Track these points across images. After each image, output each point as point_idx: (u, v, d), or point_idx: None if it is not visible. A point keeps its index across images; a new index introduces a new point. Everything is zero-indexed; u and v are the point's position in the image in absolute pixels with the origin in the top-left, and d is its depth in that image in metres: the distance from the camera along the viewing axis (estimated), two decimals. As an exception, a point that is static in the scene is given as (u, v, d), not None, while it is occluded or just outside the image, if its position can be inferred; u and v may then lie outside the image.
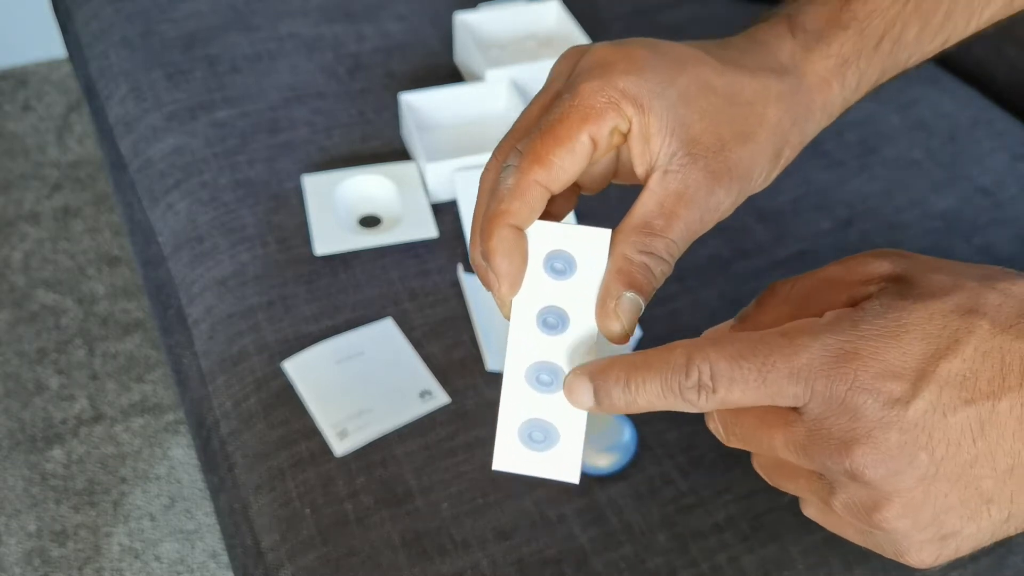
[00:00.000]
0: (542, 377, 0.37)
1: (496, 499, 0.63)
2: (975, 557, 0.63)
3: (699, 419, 0.66)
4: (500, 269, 0.36)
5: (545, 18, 1.00)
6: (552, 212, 0.38)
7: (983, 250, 0.81)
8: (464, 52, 0.96)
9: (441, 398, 0.69)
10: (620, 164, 0.40)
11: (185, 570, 1.14)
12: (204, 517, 1.19)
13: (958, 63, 1.05)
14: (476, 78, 0.93)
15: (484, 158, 0.82)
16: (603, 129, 0.36)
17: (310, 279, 0.77)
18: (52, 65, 1.87)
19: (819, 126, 0.42)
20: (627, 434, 0.64)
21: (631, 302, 0.36)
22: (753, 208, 0.83)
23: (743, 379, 0.33)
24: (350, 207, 0.83)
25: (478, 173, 0.67)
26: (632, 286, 0.36)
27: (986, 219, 0.83)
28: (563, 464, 0.37)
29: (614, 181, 0.41)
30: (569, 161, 0.36)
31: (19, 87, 1.82)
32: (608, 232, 0.37)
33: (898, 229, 0.82)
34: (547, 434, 0.37)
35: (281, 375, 0.71)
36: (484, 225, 0.37)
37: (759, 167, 0.38)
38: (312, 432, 0.67)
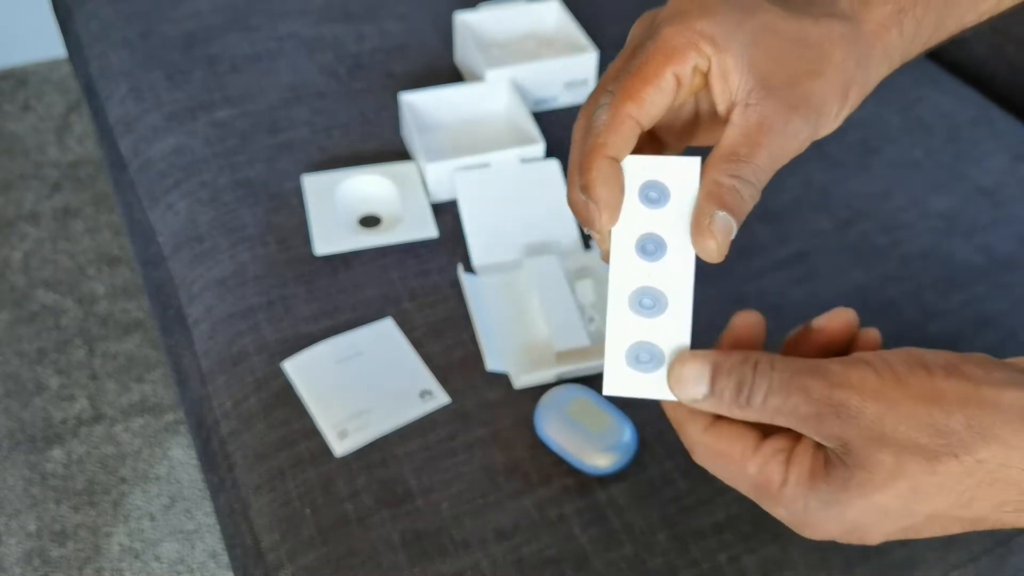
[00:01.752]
0: (644, 302, 0.39)
1: (496, 499, 0.63)
2: (975, 557, 0.63)
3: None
4: (600, 199, 0.39)
5: (545, 18, 1.00)
6: None
7: (983, 250, 0.81)
8: (464, 52, 0.96)
9: (441, 398, 0.69)
10: (700, 113, 0.44)
11: (185, 570, 1.14)
12: (204, 517, 1.19)
13: (958, 63, 1.05)
14: (476, 78, 0.93)
15: (485, 158, 0.82)
16: (686, 67, 0.39)
17: (310, 279, 0.77)
18: (52, 65, 1.87)
19: (880, 73, 0.44)
20: (627, 434, 0.64)
21: (724, 220, 0.38)
22: (754, 208, 0.83)
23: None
24: (350, 207, 0.83)
25: (478, 173, 0.67)
26: (724, 206, 0.38)
27: (986, 219, 0.83)
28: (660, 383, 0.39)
29: (693, 143, 0.44)
30: (658, 96, 0.39)
31: (19, 87, 1.82)
32: (698, 160, 0.39)
33: (898, 229, 0.82)
34: (652, 355, 0.38)
35: (281, 375, 0.71)
36: (582, 160, 0.39)
37: (829, 103, 0.41)
38: (312, 432, 0.67)
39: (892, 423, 0.34)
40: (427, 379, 0.70)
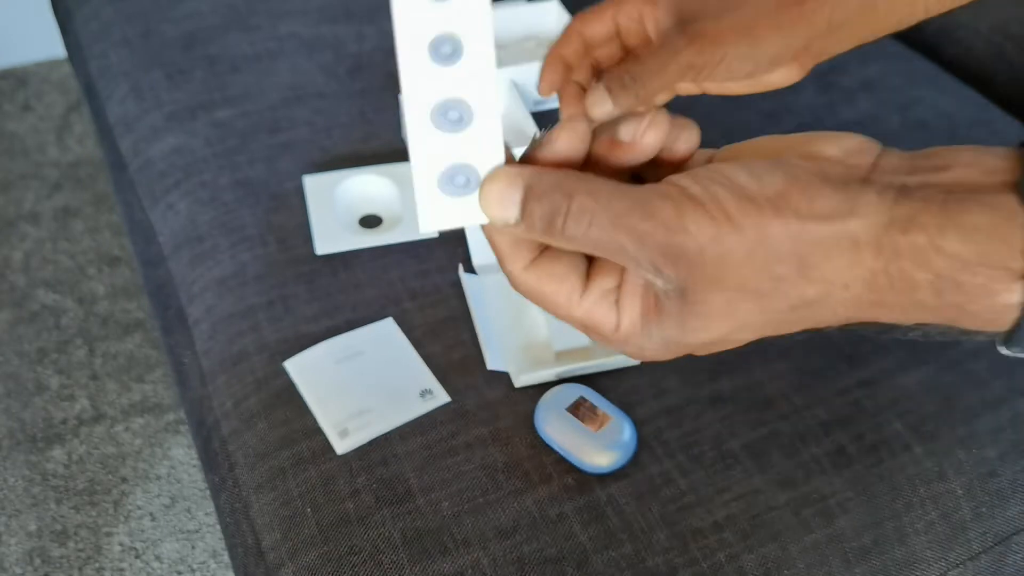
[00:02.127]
0: (450, 115, 0.33)
1: (497, 498, 0.63)
2: (974, 555, 0.63)
3: (700, 418, 0.67)
4: (543, 76, 0.61)
5: (545, 18, 1.01)
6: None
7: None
8: (464, 52, 0.96)
9: (442, 397, 0.69)
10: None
11: (186, 570, 1.14)
12: (204, 517, 1.19)
13: (958, 63, 1.05)
14: (476, 78, 0.93)
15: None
16: (623, 12, 0.55)
17: (311, 279, 0.77)
18: (52, 65, 1.87)
19: (814, 28, 0.52)
20: (627, 433, 0.64)
21: (600, 92, 0.55)
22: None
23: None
24: (351, 207, 0.83)
25: None
26: (609, 89, 0.54)
27: (985, 219, 0.83)
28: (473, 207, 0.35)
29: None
30: (599, 25, 0.56)
31: (19, 87, 1.83)
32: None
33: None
34: (468, 178, 0.34)
35: (282, 375, 0.71)
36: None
37: (732, 36, 0.51)
38: (313, 431, 0.67)
39: (729, 270, 0.34)
40: (427, 378, 0.70)
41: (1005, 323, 0.32)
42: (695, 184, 0.34)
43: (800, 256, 0.34)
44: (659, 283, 0.35)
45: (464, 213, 0.34)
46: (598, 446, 0.63)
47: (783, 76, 0.54)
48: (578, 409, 0.66)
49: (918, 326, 0.35)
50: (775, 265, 0.34)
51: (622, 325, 0.37)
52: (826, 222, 0.33)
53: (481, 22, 0.32)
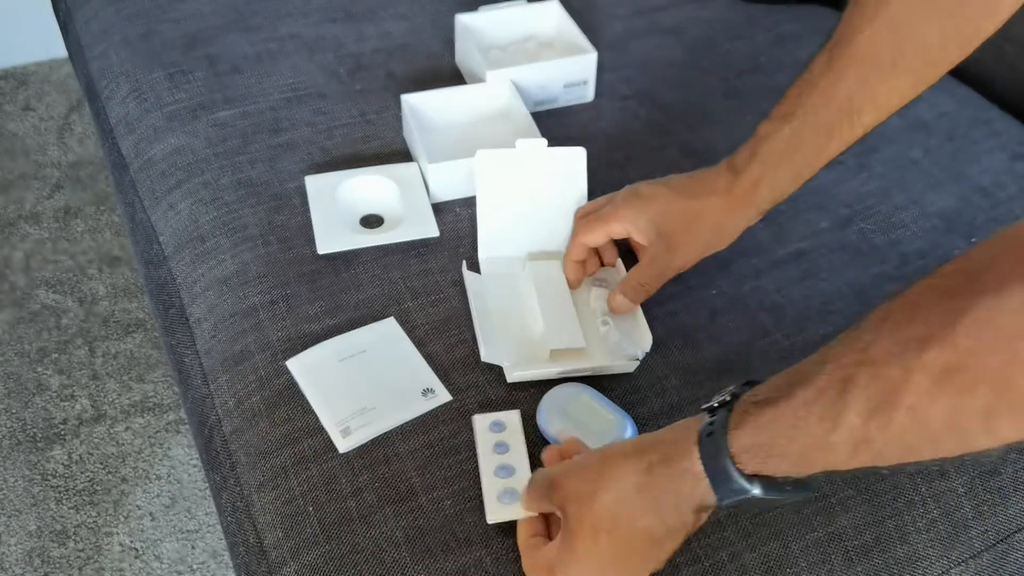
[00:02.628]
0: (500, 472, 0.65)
1: (498, 496, 0.63)
2: (975, 553, 0.63)
3: (700, 417, 0.67)
4: (567, 270, 0.77)
5: (545, 19, 1.01)
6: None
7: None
8: (465, 53, 0.97)
9: (443, 396, 0.69)
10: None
11: (186, 570, 1.14)
12: (205, 517, 1.19)
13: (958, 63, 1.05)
14: (477, 79, 0.93)
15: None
16: (612, 228, 0.75)
17: (312, 278, 0.77)
18: (53, 65, 1.87)
19: (746, 220, 0.72)
20: (628, 432, 0.64)
21: (625, 302, 0.74)
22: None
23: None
24: (352, 207, 0.83)
25: (498, 154, 0.79)
26: (627, 295, 0.74)
27: (984, 218, 0.83)
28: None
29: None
30: (593, 238, 0.76)
31: (20, 87, 1.83)
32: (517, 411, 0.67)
33: (897, 228, 0.82)
34: (512, 497, 0.62)
35: (284, 373, 0.71)
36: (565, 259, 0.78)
37: (693, 246, 0.73)
38: (315, 430, 0.67)
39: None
40: (429, 377, 0.70)
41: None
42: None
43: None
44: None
45: (511, 511, 0.62)
46: (600, 444, 0.63)
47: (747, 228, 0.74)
48: (580, 408, 0.66)
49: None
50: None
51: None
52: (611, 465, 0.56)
53: (519, 435, 0.66)
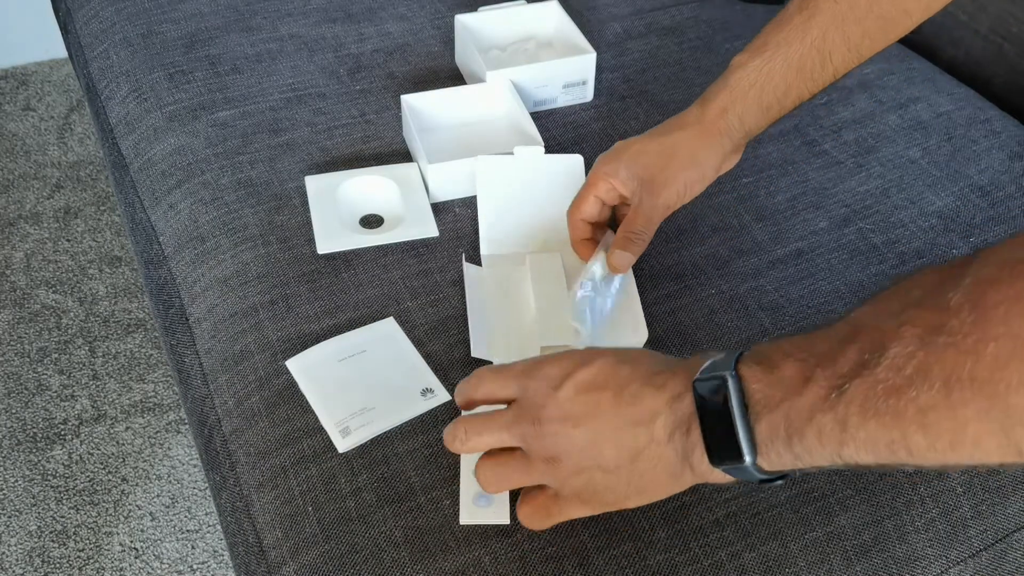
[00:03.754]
0: (481, 501, 0.63)
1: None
2: (975, 553, 0.63)
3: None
4: (575, 244, 0.78)
5: (545, 20, 1.01)
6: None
7: (980, 248, 0.81)
8: (464, 54, 0.97)
9: (442, 396, 0.69)
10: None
11: (186, 569, 1.14)
12: (205, 516, 1.19)
13: (956, 63, 1.05)
14: (477, 79, 0.93)
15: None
16: (600, 190, 0.75)
17: (312, 278, 0.78)
18: (53, 65, 1.87)
19: (720, 150, 0.73)
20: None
21: (624, 257, 0.73)
22: (751, 207, 0.84)
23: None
24: (352, 207, 0.83)
25: (498, 160, 0.82)
26: (626, 249, 0.73)
27: (983, 218, 0.83)
28: (500, 512, 0.62)
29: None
30: (588, 207, 0.75)
31: (20, 87, 1.83)
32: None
33: (895, 228, 0.82)
34: (489, 501, 0.62)
35: (283, 373, 0.71)
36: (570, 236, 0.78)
37: (674, 181, 0.73)
38: (315, 430, 0.67)
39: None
40: (428, 377, 0.70)
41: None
42: None
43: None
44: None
45: (487, 514, 0.62)
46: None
47: (730, 165, 0.75)
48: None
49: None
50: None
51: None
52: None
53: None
